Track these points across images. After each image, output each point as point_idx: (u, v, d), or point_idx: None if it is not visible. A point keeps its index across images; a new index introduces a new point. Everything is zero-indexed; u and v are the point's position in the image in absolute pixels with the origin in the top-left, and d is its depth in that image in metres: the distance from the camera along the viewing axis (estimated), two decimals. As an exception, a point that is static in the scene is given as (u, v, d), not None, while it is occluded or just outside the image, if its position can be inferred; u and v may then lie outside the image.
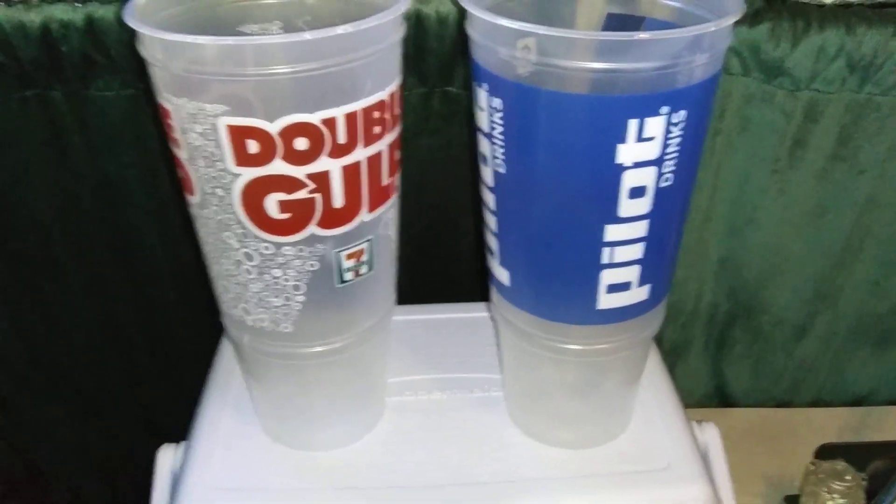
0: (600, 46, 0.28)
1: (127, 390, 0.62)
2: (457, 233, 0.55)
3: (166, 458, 0.40)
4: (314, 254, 0.32)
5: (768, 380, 0.63)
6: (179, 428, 0.41)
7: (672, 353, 0.62)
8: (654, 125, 0.29)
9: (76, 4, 0.43)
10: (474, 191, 0.36)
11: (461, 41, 0.46)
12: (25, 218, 0.51)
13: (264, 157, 0.29)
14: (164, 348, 0.60)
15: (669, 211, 0.32)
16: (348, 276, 0.33)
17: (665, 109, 0.29)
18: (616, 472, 0.37)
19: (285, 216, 0.30)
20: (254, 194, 0.30)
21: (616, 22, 0.35)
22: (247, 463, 0.37)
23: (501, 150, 0.32)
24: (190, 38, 0.27)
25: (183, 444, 0.40)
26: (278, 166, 0.29)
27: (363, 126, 0.30)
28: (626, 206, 0.31)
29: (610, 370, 0.37)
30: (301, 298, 0.33)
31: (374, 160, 0.32)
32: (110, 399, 0.62)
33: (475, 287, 0.58)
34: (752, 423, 0.61)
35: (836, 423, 0.61)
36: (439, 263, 0.57)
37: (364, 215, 0.32)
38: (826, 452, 0.55)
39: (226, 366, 0.43)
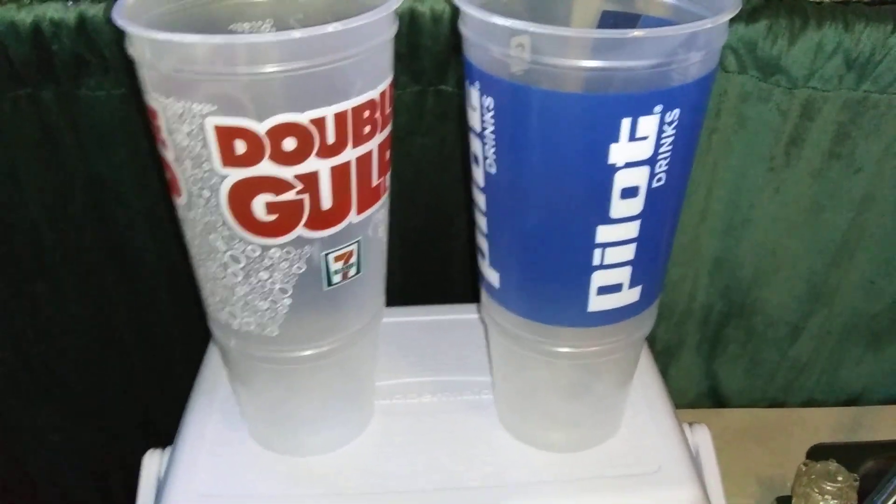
0: (595, 44, 0.28)
1: (119, 392, 0.61)
2: (450, 232, 0.55)
3: (152, 463, 0.39)
4: (301, 256, 0.31)
5: (762, 380, 0.63)
6: (173, 430, 0.41)
7: (665, 353, 0.62)
8: (648, 124, 0.28)
9: (68, 3, 0.42)
10: (468, 190, 0.35)
11: (455, 40, 0.45)
12: (16, 218, 0.51)
13: (252, 158, 0.29)
14: (156, 349, 0.60)
15: (662, 211, 0.32)
16: (336, 278, 0.33)
17: (659, 108, 0.28)
18: (606, 475, 0.37)
19: (272, 218, 0.30)
20: (241, 195, 0.29)
21: (611, 20, 0.34)
22: (233, 469, 0.37)
23: (493, 150, 0.31)
24: (178, 37, 0.27)
25: (168, 449, 0.39)
26: (266, 167, 0.29)
27: (353, 126, 0.30)
28: (618, 207, 0.30)
29: (601, 372, 0.37)
30: (288, 301, 0.32)
31: (363, 160, 0.31)
32: (102, 401, 0.61)
33: (469, 287, 0.57)
34: (745, 424, 0.61)
35: (829, 423, 0.61)
36: (433, 263, 0.57)
37: (353, 217, 0.32)
38: (818, 453, 0.55)
39: (213, 370, 0.43)
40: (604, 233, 0.31)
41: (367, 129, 0.31)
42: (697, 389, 0.64)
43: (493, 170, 0.32)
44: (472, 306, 0.47)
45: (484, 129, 0.31)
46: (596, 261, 0.32)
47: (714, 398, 0.64)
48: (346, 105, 0.29)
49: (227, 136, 0.28)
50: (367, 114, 0.30)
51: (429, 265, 0.56)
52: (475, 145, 0.33)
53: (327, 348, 0.35)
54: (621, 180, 0.30)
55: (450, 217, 0.54)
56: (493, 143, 0.31)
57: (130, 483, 0.40)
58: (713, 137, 0.50)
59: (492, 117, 0.30)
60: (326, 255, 0.32)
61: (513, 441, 0.39)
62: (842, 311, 0.58)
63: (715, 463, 0.41)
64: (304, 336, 0.34)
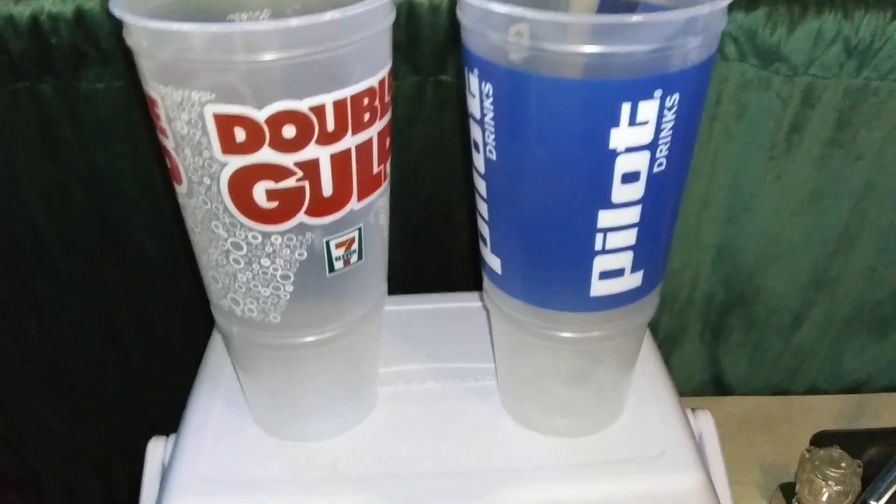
0: (594, 30, 0.28)
1: (121, 385, 0.62)
2: (451, 222, 0.55)
3: (156, 450, 0.40)
4: (303, 243, 0.31)
5: (765, 367, 0.63)
6: (175, 421, 0.41)
7: (668, 341, 0.62)
8: (648, 109, 0.28)
9: None
10: (468, 180, 0.36)
11: (454, 30, 0.45)
12: (16, 212, 0.51)
13: (251, 145, 0.29)
14: (157, 341, 0.60)
15: (663, 196, 0.32)
16: (338, 265, 0.33)
17: (658, 93, 0.28)
18: (610, 459, 0.37)
19: (273, 205, 0.30)
20: (241, 183, 0.30)
21: (610, 5, 0.34)
22: (237, 454, 0.37)
23: (492, 137, 0.31)
24: (176, 26, 0.27)
25: (173, 436, 0.40)
26: (266, 154, 0.29)
27: (352, 113, 0.30)
28: (619, 192, 0.30)
29: (603, 358, 0.37)
30: (290, 288, 0.32)
31: (363, 148, 0.31)
32: (105, 395, 0.62)
33: (470, 277, 0.57)
34: (748, 411, 0.61)
35: (832, 411, 0.61)
36: (434, 253, 0.57)
37: (354, 203, 0.32)
38: (822, 440, 0.55)
39: (216, 357, 0.43)
40: (605, 218, 0.31)
41: (367, 116, 0.31)
42: (701, 378, 0.64)
43: (493, 156, 0.32)
44: (475, 294, 0.47)
45: (484, 115, 0.31)
46: (598, 246, 0.32)
47: (717, 386, 0.64)
48: (346, 92, 0.29)
49: (226, 123, 0.28)
50: (366, 101, 0.30)
51: (430, 255, 0.57)
52: (475, 132, 0.33)
53: (330, 335, 0.35)
54: (622, 165, 0.30)
55: (451, 206, 0.54)
56: (493, 129, 0.31)
57: (133, 475, 0.41)
58: (714, 125, 0.50)
59: (491, 104, 0.30)
60: (328, 241, 0.32)
61: (516, 427, 0.39)
62: (844, 299, 0.58)
63: (718, 448, 0.41)
64: (307, 322, 0.34)
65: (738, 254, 0.56)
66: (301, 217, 0.31)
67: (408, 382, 0.41)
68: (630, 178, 0.30)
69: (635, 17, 0.27)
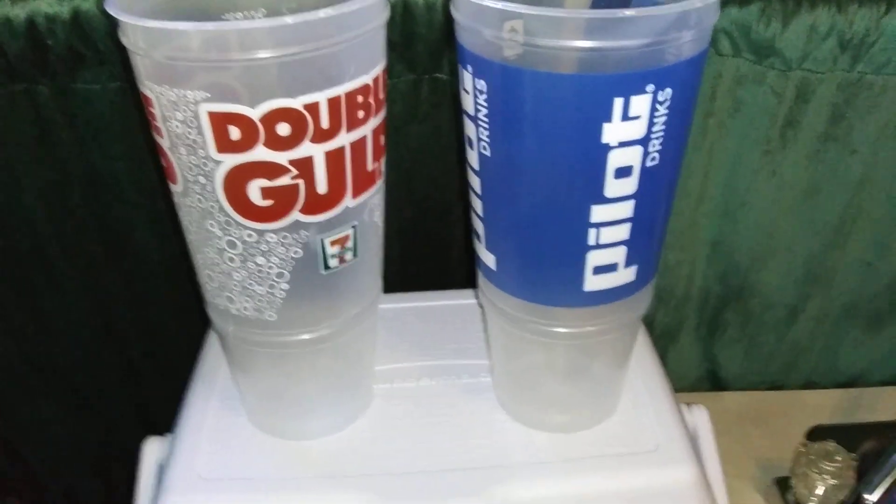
0: (588, 25, 0.28)
1: (121, 385, 0.62)
2: (447, 220, 0.55)
3: (152, 449, 0.40)
4: (298, 240, 0.32)
5: (760, 362, 0.63)
6: (172, 421, 0.41)
7: (664, 336, 0.62)
8: (640, 103, 0.28)
9: None
10: (464, 178, 0.36)
11: (449, 27, 0.45)
12: (14, 213, 0.51)
13: (246, 144, 0.29)
14: (155, 341, 0.60)
15: (656, 191, 0.32)
16: (333, 262, 0.33)
17: (651, 87, 0.28)
18: (605, 454, 0.37)
19: (268, 203, 0.30)
20: (236, 181, 0.30)
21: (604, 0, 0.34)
22: (233, 453, 0.37)
23: (486, 133, 0.31)
24: (171, 25, 0.27)
25: (169, 435, 0.40)
26: (260, 153, 0.29)
27: (346, 111, 0.30)
28: (612, 187, 0.30)
29: (598, 353, 0.37)
30: (285, 286, 0.33)
31: (358, 145, 0.31)
32: (104, 395, 0.62)
33: (465, 275, 0.58)
34: (743, 406, 0.61)
35: (828, 405, 0.61)
36: (430, 251, 0.57)
37: (348, 201, 0.32)
38: (817, 434, 0.55)
39: (212, 356, 0.43)
40: (598, 212, 0.31)
41: (361, 113, 0.31)
42: (696, 373, 0.64)
43: (487, 152, 0.32)
44: (470, 292, 0.47)
45: (478, 111, 0.31)
46: (591, 240, 0.32)
47: (713, 381, 0.65)
48: (340, 90, 0.29)
49: (221, 122, 0.28)
50: (360, 99, 0.30)
51: (426, 253, 0.57)
52: (469, 128, 0.33)
53: (325, 332, 0.35)
54: (615, 160, 0.30)
55: (446, 204, 0.54)
56: (487, 125, 0.31)
57: (132, 474, 0.41)
58: (709, 121, 0.50)
59: (485, 100, 0.30)
60: (323, 239, 0.32)
61: (511, 422, 0.39)
62: (839, 293, 0.58)
63: (713, 443, 0.41)
64: (302, 320, 0.34)
65: (734, 249, 0.56)
66: (296, 215, 0.31)
67: (403, 380, 0.41)
68: (623, 172, 0.30)
69: (629, 12, 0.27)
